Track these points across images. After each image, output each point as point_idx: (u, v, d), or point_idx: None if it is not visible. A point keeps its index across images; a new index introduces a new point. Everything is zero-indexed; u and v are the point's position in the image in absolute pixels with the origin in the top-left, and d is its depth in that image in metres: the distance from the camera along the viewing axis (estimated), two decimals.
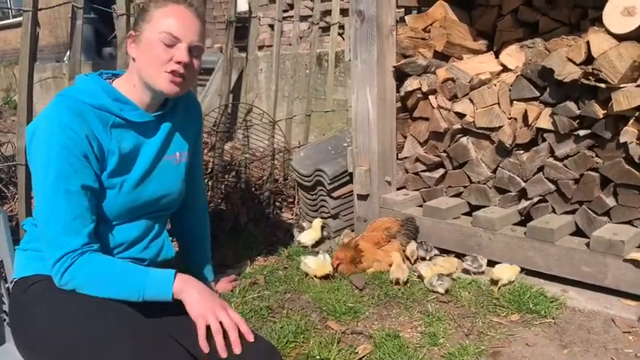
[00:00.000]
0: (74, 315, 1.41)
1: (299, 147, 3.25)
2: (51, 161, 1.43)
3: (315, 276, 2.18)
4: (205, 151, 3.02)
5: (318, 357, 1.66)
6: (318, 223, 2.60)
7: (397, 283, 2.11)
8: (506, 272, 2.06)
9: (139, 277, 1.45)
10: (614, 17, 1.88)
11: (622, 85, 1.88)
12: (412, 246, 2.29)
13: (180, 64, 1.50)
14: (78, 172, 1.43)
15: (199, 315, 1.39)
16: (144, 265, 1.65)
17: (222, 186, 2.81)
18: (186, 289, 1.44)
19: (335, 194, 2.75)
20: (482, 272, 2.17)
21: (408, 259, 2.28)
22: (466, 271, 2.18)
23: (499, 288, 2.03)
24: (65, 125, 1.44)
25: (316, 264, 2.18)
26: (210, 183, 2.75)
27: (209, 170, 2.75)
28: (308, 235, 2.56)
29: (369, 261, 2.23)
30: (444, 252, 2.33)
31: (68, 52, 2.79)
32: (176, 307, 1.59)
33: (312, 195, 2.86)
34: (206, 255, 2.04)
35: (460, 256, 2.29)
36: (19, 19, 2.06)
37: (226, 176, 2.85)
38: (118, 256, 1.59)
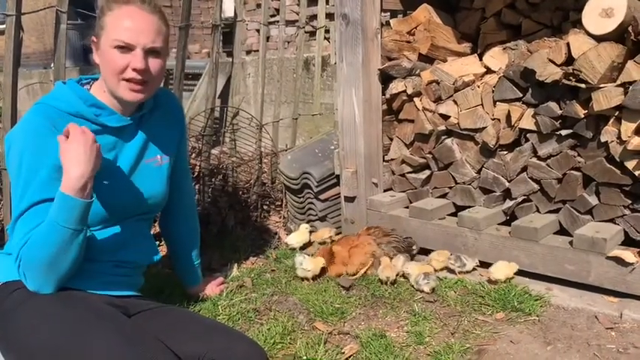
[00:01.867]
0: (58, 320, 1.41)
1: (286, 150, 3.26)
2: (21, 171, 1.45)
3: (306, 278, 2.18)
4: (193, 155, 3.03)
5: (304, 357, 1.67)
6: (304, 227, 2.61)
7: (385, 282, 2.12)
8: (503, 270, 2.08)
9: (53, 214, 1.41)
10: (592, 19, 1.91)
11: (601, 85, 1.91)
12: (398, 261, 2.20)
13: (137, 70, 1.48)
14: (45, 182, 1.43)
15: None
16: (129, 268, 1.65)
17: (210, 190, 2.81)
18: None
19: (322, 197, 2.76)
20: (468, 271, 2.19)
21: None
22: (450, 271, 2.20)
23: (498, 286, 2.05)
24: (38, 135, 1.44)
25: (311, 263, 2.20)
26: (197, 187, 2.75)
27: (196, 174, 2.75)
28: (296, 238, 2.57)
29: (339, 265, 2.23)
30: (429, 252, 2.34)
31: None
32: (159, 311, 1.60)
33: (300, 198, 2.87)
34: (193, 259, 2.04)
35: None
36: (2, 26, 2.05)
37: (213, 180, 2.85)
38: (102, 259, 1.60)
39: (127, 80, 1.50)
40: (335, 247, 2.27)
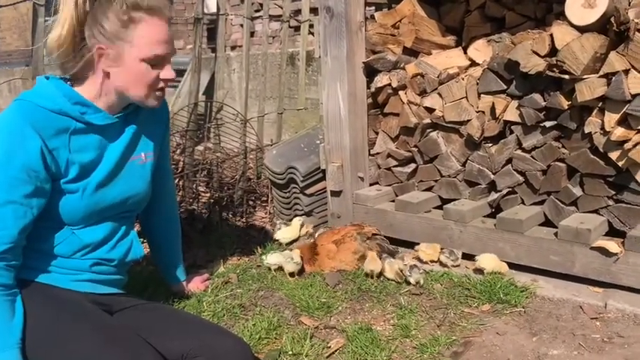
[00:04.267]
0: (35, 320, 1.39)
1: (272, 145, 3.24)
2: None
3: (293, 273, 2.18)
4: (177, 152, 3.00)
5: (290, 352, 1.66)
6: (297, 221, 2.57)
7: (371, 276, 2.11)
8: (490, 262, 2.08)
9: None
10: (575, 9, 1.91)
11: (585, 77, 1.91)
12: (395, 265, 2.12)
13: (168, 81, 1.53)
14: (11, 185, 1.39)
15: None
16: (112, 266, 1.63)
17: (194, 186, 2.79)
18: None
19: (308, 191, 2.74)
20: (458, 265, 2.19)
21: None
22: (443, 264, 2.19)
23: (484, 277, 2.05)
24: (12, 134, 1.40)
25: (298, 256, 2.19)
26: (181, 183, 2.72)
27: (180, 170, 2.72)
28: (285, 233, 2.53)
29: (323, 260, 2.21)
30: (415, 245, 2.33)
31: None
32: (143, 309, 1.58)
33: (286, 193, 2.85)
34: (177, 255, 2.02)
35: None
36: None
37: (198, 176, 2.82)
38: (84, 257, 1.57)
39: (157, 91, 1.54)
40: (319, 241, 2.26)
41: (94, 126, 1.53)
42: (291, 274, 2.17)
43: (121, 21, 1.43)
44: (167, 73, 1.52)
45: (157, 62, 1.49)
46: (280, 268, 2.19)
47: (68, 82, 1.54)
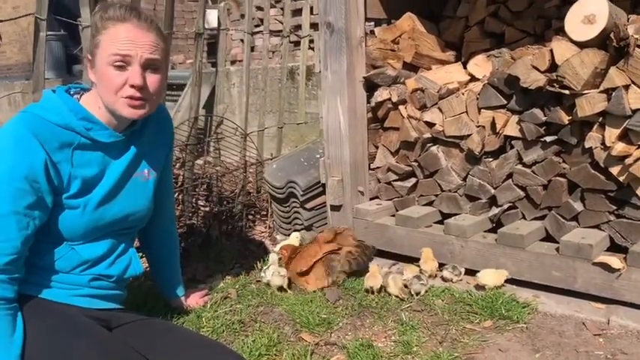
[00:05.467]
0: (45, 337, 1.39)
1: (271, 159, 3.24)
2: None
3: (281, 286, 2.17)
4: (177, 166, 2.99)
5: None
6: (295, 236, 2.56)
7: (371, 292, 2.10)
8: (492, 277, 2.07)
9: None
10: (575, 25, 1.92)
11: (585, 92, 1.92)
12: (399, 281, 2.09)
13: (135, 87, 1.44)
14: (15, 196, 1.38)
15: None
16: (110, 282, 1.61)
17: (194, 200, 2.78)
18: None
19: (308, 205, 2.73)
20: (460, 280, 2.17)
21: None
22: (445, 279, 2.18)
23: (485, 293, 2.04)
24: (17, 146, 1.39)
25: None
26: (180, 197, 2.71)
27: (179, 184, 2.71)
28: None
29: (296, 278, 2.21)
30: (416, 261, 2.32)
31: None
32: (142, 324, 1.56)
33: (285, 207, 2.84)
34: (175, 270, 2.00)
35: None
36: None
37: (197, 190, 2.81)
38: (83, 273, 1.56)
39: (126, 98, 1.46)
40: (292, 265, 2.24)
41: (98, 143, 1.52)
42: (280, 289, 2.16)
43: (96, 28, 1.46)
44: (133, 77, 1.43)
45: (121, 64, 1.43)
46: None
47: (76, 96, 1.54)
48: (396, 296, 2.06)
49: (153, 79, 1.49)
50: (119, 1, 1.55)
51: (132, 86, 1.44)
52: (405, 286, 2.07)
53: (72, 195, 1.49)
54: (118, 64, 1.43)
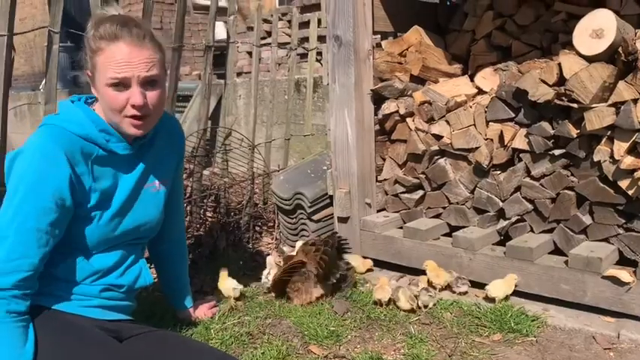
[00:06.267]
0: (56, 348, 1.39)
1: (278, 171, 3.25)
2: (17, 194, 1.40)
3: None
4: (184, 176, 3.00)
5: None
6: (300, 244, 2.55)
7: (380, 304, 2.09)
8: (501, 288, 2.06)
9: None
10: (583, 39, 1.94)
11: (593, 105, 1.92)
12: (408, 294, 2.07)
13: (136, 107, 1.45)
14: (39, 212, 1.39)
15: None
16: (121, 292, 1.62)
17: (201, 211, 2.78)
18: None
19: (315, 217, 2.74)
20: (466, 292, 2.17)
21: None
22: (453, 291, 2.18)
23: (494, 306, 2.04)
24: (45, 160, 1.40)
25: None
26: (188, 208, 2.72)
27: (187, 195, 2.72)
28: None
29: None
30: (423, 273, 2.32)
31: (44, 81, 2.77)
32: (152, 336, 1.56)
33: (292, 219, 2.84)
34: (184, 282, 2.01)
35: None
36: None
37: (205, 201, 2.82)
38: (94, 283, 1.56)
39: (129, 117, 1.47)
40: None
41: (115, 155, 1.53)
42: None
43: (91, 49, 1.45)
44: (133, 98, 1.44)
45: (121, 86, 1.43)
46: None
47: (91, 106, 1.55)
48: (406, 311, 2.05)
49: (152, 95, 1.48)
50: (111, 14, 1.51)
51: (133, 106, 1.45)
52: (416, 297, 2.07)
53: (90, 207, 1.50)
54: (118, 87, 1.43)
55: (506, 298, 2.07)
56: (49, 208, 1.39)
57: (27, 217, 1.38)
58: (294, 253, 2.26)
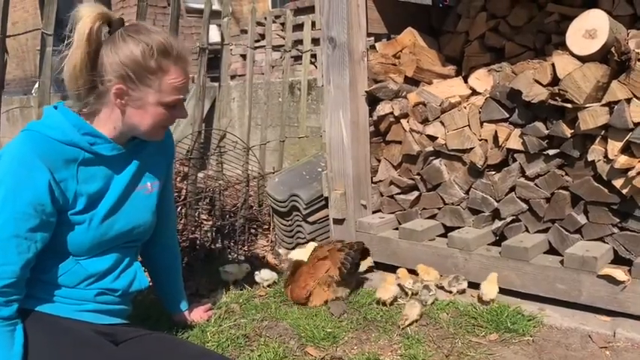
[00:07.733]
0: (49, 352, 1.39)
1: (273, 173, 3.24)
2: None
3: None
4: (178, 179, 2.99)
5: None
6: (311, 245, 2.52)
7: (383, 303, 2.09)
8: (491, 287, 2.07)
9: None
10: (576, 40, 1.94)
11: (587, 105, 1.93)
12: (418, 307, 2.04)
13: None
14: (18, 219, 1.38)
15: None
16: (116, 296, 1.61)
17: (196, 214, 2.77)
18: None
19: (311, 219, 2.73)
20: (463, 292, 2.17)
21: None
22: (448, 291, 2.18)
23: (490, 306, 2.04)
24: (22, 166, 1.39)
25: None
26: (183, 211, 2.71)
27: (182, 198, 2.71)
28: (299, 255, 2.45)
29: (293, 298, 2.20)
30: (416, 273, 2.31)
31: (36, 85, 2.76)
32: (148, 339, 1.55)
33: (288, 221, 2.84)
34: (178, 284, 2.00)
35: None
36: None
37: (200, 204, 2.81)
38: (89, 287, 1.56)
39: (163, 127, 1.58)
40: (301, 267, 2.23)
41: (102, 156, 1.52)
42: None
43: (149, 68, 1.44)
44: (181, 112, 1.56)
45: (174, 105, 1.52)
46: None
47: (84, 110, 1.53)
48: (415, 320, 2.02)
49: None
50: (142, 24, 1.54)
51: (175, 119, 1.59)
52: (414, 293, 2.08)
53: (78, 211, 1.49)
54: (173, 105, 1.52)
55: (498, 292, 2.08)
56: (28, 214, 1.38)
57: (5, 224, 1.37)
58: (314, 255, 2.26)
